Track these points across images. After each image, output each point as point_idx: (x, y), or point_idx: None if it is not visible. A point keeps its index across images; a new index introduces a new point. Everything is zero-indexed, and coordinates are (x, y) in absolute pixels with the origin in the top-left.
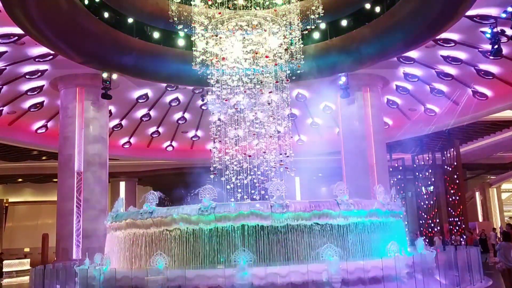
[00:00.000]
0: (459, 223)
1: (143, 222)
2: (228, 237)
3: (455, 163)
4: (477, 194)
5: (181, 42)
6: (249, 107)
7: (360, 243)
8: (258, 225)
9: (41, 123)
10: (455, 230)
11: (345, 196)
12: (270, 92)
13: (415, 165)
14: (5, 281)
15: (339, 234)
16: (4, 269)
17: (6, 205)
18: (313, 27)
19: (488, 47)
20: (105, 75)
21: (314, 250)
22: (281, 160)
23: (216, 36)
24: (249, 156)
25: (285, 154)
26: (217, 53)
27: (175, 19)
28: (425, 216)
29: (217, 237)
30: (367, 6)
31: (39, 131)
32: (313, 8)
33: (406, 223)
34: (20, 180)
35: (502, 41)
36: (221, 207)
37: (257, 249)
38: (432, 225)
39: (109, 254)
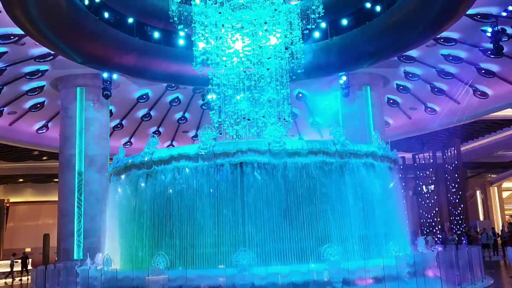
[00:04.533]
0: (460, 222)
1: (143, 163)
2: (227, 175)
3: (456, 162)
4: (478, 192)
5: (181, 42)
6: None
7: (356, 186)
8: (256, 162)
9: (41, 123)
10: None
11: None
12: (267, 69)
13: (416, 164)
14: (5, 281)
15: (336, 175)
16: (4, 269)
17: (7, 205)
18: (313, 26)
19: (489, 45)
20: (105, 75)
21: (312, 191)
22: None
23: (218, 11)
24: (248, 119)
25: (284, 119)
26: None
27: (175, 19)
28: (426, 215)
29: (216, 176)
30: (368, 5)
31: (39, 131)
32: (314, 7)
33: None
34: (21, 180)
35: (502, 39)
36: (220, 144)
37: (255, 187)
38: (433, 224)
39: (110, 205)
